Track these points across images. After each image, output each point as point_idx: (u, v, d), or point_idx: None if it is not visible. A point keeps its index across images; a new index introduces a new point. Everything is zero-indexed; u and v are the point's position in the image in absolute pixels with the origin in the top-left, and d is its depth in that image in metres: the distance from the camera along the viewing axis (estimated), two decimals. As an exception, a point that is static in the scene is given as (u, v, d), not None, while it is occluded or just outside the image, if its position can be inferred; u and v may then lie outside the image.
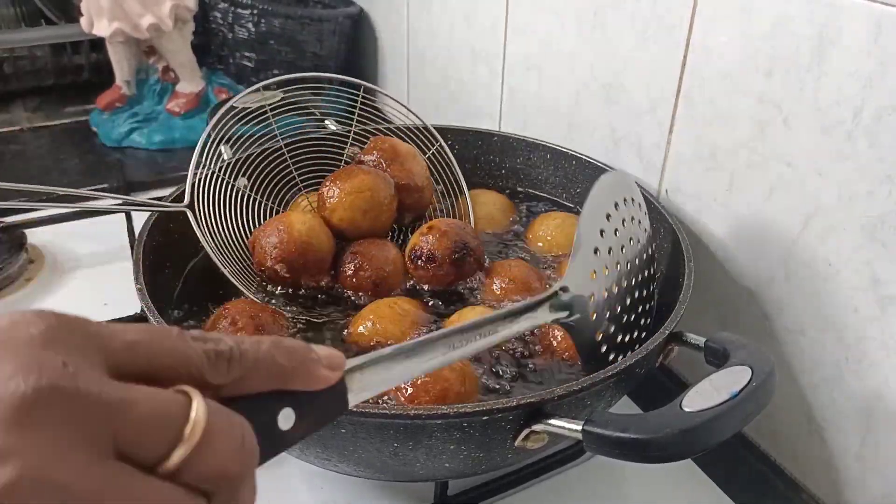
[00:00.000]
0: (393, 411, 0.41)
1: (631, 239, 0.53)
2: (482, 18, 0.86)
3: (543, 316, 0.45)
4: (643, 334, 0.53)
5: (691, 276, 0.54)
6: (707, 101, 0.59)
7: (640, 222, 0.55)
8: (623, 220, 0.52)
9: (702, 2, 0.57)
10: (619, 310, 0.51)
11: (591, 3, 0.69)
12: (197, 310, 0.60)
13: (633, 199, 0.54)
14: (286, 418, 0.26)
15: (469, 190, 0.74)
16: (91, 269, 0.82)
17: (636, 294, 0.53)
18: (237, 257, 0.62)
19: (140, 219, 0.62)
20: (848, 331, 0.51)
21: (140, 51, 1.12)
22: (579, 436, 0.39)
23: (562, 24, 0.74)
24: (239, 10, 1.09)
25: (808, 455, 0.56)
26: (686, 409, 0.38)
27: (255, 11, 1.08)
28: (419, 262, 0.61)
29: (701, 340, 0.47)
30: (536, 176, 0.77)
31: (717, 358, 0.45)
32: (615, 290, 0.51)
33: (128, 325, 0.23)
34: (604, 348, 0.50)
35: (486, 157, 0.79)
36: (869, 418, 0.51)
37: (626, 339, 0.52)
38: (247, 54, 1.13)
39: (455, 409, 0.41)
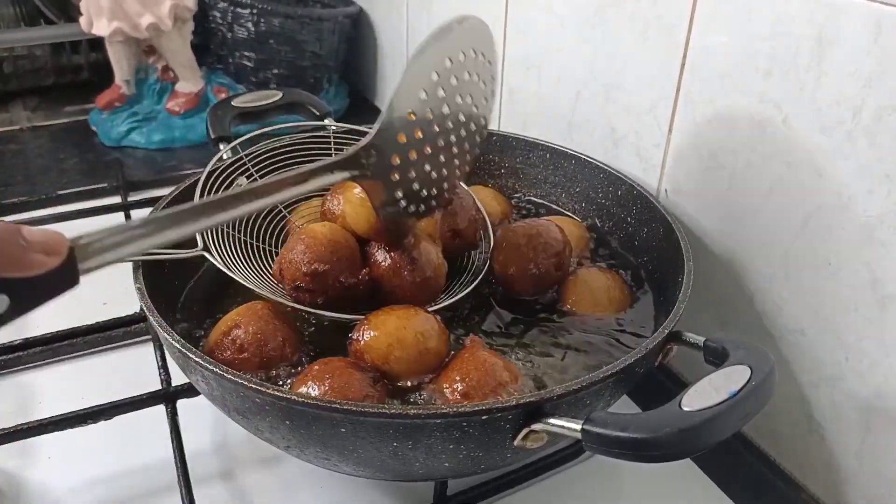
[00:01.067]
0: (393, 411, 0.41)
1: (461, 96, 0.52)
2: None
3: (337, 175, 0.47)
4: (456, 180, 0.55)
5: (691, 275, 0.54)
6: (707, 101, 0.59)
7: (478, 76, 0.53)
8: (456, 77, 0.51)
9: (702, 2, 0.57)
10: (427, 168, 0.52)
11: (591, 3, 0.69)
12: (197, 309, 0.60)
13: (475, 52, 0.52)
14: (1, 304, 0.25)
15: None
16: (90, 268, 0.81)
17: (454, 150, 0.53)
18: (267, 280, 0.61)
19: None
20: (848, 331, 0.51)
21: (139, 50, 1.12)
22: (578, 435, 0.39)
23: (561, 23, 0.74)
24: (238, 10, 1.09)
25: (808, 455, 0.56)
26: (685, 409, 0.38)
27: (255, 11, 1.08)
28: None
29: (700, 340, 0.47)
30: (536, 175, 0.77)
31: (717, 357, 0.45)
32: (427, 150, 0.51)
33: None
34: (402, 204, 0.52)
35: (485, 156, 0.79)
36: (869, 418, 0.51)
37: (432, 192, 0.53)
38: (246, 54, 1.13)
39: (454, 409, 0.41)
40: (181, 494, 0.51)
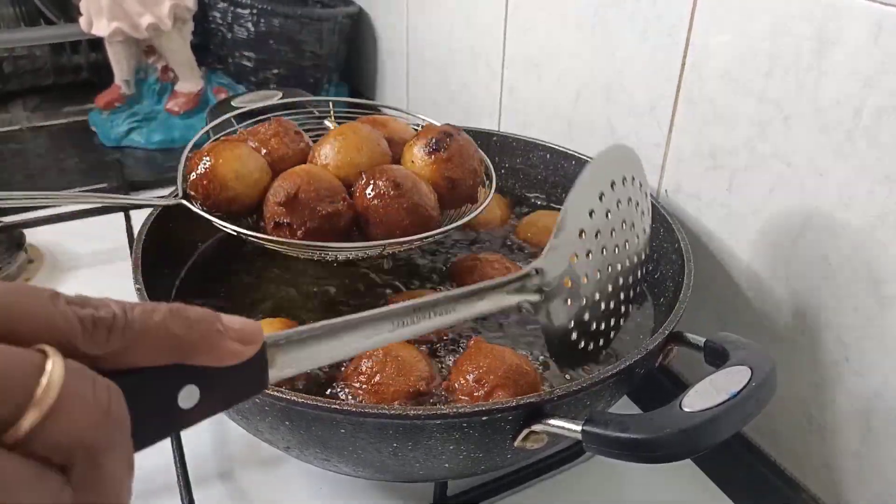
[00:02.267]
0: (393, 411, 0.41)
1: (624, 222, 0.50)
2: (482, 18, 0.86)
3: (511, 297, 0.43)
4: (622, 321, 0.52)
5: (691, 276, 0.54)
6: (707, 101, 0.59)
7: (637, 204, 0.51)
8: (618, 202, 0.49)
9: (702, 2, 0.57)
10: (597, 297, 0.49)
11: (591, 3, 0.69)
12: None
13: (633, 179, 0.51)
14: (189, 395, 0.24)
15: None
16: (90, 268, 0.82)
17: (620, 281, 0.50)
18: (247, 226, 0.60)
19: (139, 219, 0.62)
20: (848, 331, 0.51)
21: (139, 50, 1.12)
22: (579, 436, 0.39)
23: (562, 23, 0.74)
24: (238, 10, 1.09)
25: (808, 455, 0.56)
26: (686, 409, 0.38)
27: (255, 11, 1.08)
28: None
29: (701, 340, 0.47)
30: (536, 175, 0.77)
31: (717, 358, 0.45)
32: (597, 275, 0.48)
33: None
34: (574, 335, 0.48)
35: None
36: (869, 418, 0.50)
37: (602, 327, 0.50)
38: (246, 54, 1.13)
39: (454, 410, 0.41)
40: (181, 495, 0.51)
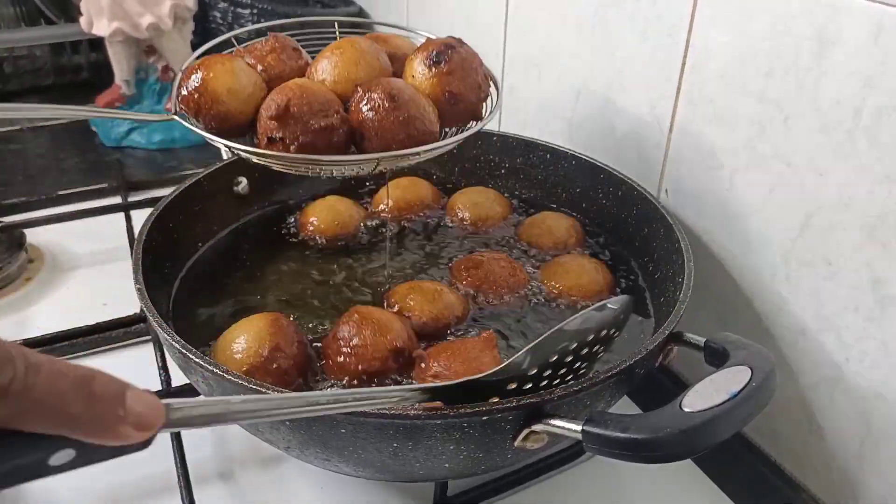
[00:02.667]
0: (393, 411, 0.41)
1: (583, 365, 0.47)
2: (482, 18, 0.86)
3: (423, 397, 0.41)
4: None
5: (691, 276, 0.54)
6: (707, 101, 0.59)
7: (602, 352, 0.48)
8: (588, 349, 0.46)
9: (702, 2, 0.57)
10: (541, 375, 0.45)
11: (591, 3, 0.69)
12: (197, 308, 0.60)
13: (614, 332, 0.48)
14: (64, 456, 0.23)
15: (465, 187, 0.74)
16: (90, 268, 0.81)
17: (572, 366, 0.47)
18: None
19: (139, 219, 0.62)
20: (848, 331, 0.51)
21: (139, 50, 1.12)
22: (579, 436, 0.39)
23: (562, 23, 0.74)
24: (238, 10, 1.09)
25: (808, 455, 0.56)
26: (686, 409, 0.38)
27: (255, 11, 1.08)
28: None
29: (701, 340, 0.47)
30: (536, 175, 0.77)
31: (717, 358, 0.45)
32: (547, 371, 0.45)
33: None
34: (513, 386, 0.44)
35: (485, 156, 0.79)
36: (869, 418, 0.50)
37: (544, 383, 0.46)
38: (246, 54, 1.13)
39: (454, 410, 0.41)
40: (181, 494, 0.51)
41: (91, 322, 0.68)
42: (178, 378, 0.56)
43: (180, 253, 0.64)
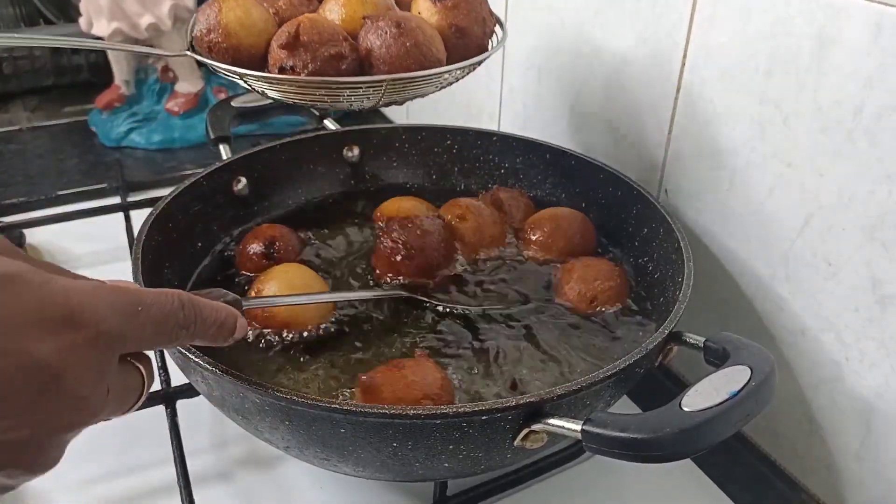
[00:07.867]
0: (393, 411, 0.41)
1: None
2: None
3: None
4: None
5: (691, 276, 0.53)
6: (707, 101, 0.59)
7: None
8: None
9: (701, 2, 0.57)
10: None
11: (591, 3, 0.69)
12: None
13: None
14: None
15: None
16: (90, 268, 0.81)
17: None
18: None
19: (139, 219, 0.62)
20: (848, 331, 0.51)
21: (139, 50, 1.12)
22: (579, 435, 0.39)
23: (562, 23, 0.74)
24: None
25: (808, 455, 0.56)
26: (686, 409, 0.38)
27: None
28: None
29: (700, 340, 0.47)
30: (536, 175, 0.77)
31: (717, 358, 0.45)
32: None
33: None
34: None
35: (485, 156, 0.79)
36: (869, 418, 0.50)
37: None
38: (246, 54, 1.13)
39: (454, 409, 0.41)
40: (181, 495, 0.51)
41: (91, 322, 0.68)
42: (178, 378, 0.56)
43: (180, 253, 0.64)
